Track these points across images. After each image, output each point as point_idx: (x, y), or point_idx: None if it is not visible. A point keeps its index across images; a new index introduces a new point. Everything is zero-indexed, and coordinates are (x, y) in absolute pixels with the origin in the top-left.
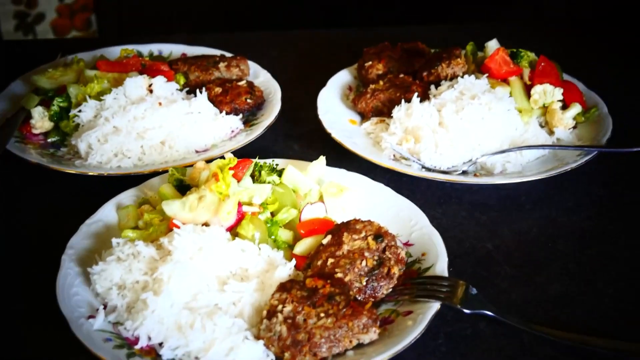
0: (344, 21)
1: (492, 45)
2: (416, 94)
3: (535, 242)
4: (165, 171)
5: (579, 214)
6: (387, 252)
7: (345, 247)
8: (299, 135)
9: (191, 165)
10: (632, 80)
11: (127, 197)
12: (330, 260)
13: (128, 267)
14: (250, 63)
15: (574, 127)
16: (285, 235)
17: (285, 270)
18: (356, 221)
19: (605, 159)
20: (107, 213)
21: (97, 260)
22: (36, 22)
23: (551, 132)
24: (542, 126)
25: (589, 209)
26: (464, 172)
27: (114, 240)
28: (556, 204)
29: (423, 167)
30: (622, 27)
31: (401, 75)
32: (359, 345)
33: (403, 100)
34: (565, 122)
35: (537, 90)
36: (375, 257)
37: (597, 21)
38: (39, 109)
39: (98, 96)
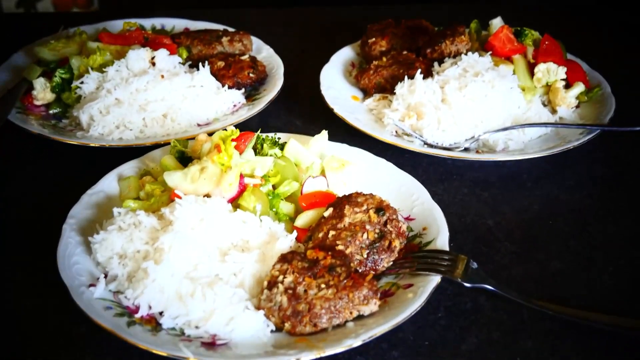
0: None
1: (496, 23)
2: (419, 70)
3: (536, 220)
4: (167, 143)
5: (580, 192)
6: (388, 226)
7: (347, 220)
8: (301, 111)
9: (193, 138)
10: (635, 61)
11: (128, 168)
12: (332, 233)
13: (129, 236)
14: (253, 38)
15: (577, 107)
16: (286, 207)
17: (287, 242)
18: (358, 194)
19: (607, 138)
20: (109, 184)
21: (98, 230)
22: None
23: (554, 111)
24: (544, 105)
25: (590, 187)
26: (466, 149)
27: (115, 210)
28: (557, 182)
29: (425, 143)
30: (625, 9)
31: (404, 52)
32: (359, 317)
33: (406, 77)
34: (568, 101)
35: (541, 68)
36: (377, 230)
37: (601, 3)
38: (41, 80)
39: (100, 68)
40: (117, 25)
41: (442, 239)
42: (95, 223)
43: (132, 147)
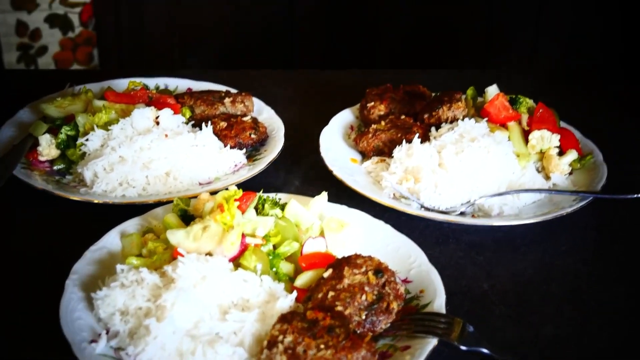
0: (347, 64)
1: (492, 90)
2: (417, 134)
3: (530, 284)
4: (169, 202)
5: (573, 258)
6: (386, 288)
7: (346, 281)
8: (301, 172)
9: (195, 197)
10: (626, 130)
11: (131, 225)
12: (331, 293)
13: (131, 293)
14: (255, 99)
15: (570, 173)
16: (286, 267)
17: (287, 301)
18: (357, 256)
19: (600, 205)
20: (111, 240)
21: (100, 286)
22: (39, 54)
23: (547, 177)
24: (538, 171)
25: (584, 253)
26: (462, 213)
27: (119, 267)
28: (551, 247)
29: (422, 206)
30: (615, 76)
31: (402, 117)
32: None
33: (404, 141)
34: (561, 167)
35: (535, 135)
36: (375, 292)
37: (591, 70)
38: (47, 136)
39: (105, 126)
40: (121, 83)
41: (439, 302)
42: (97, 279)
43: (134, 205)
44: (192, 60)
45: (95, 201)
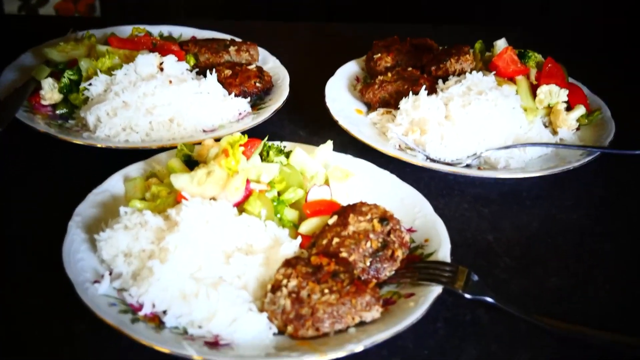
0: (354, 16)
1: (501, 44)
2: (424, 86)
3: (535, 237)
4: (172, 147)
5: (578, 212)
6: (391, 235)
7: (351, 228)
8: (305, 122)
9: (199, 143)
10: (634, 87)
11: (134, 169)
12: (336, 240)
13: (135, 235)
14: (260, 49)
15: (577, 129)
16: (290, 214)
17: (291, 247)
18: (362, 204)
19: (606, 160)
20: (115, 184)
21: (103, 228)
22: (39, 5)
23: (555, 132)
24: (546, 126)
25: (589, 207)
26: (468, 166)
27: (122, 209)
28: (557, 201)
29: (428, 158)
30: (625, 34)
31: (409, 69)
32: (361, 323)
33: (411, 93)
34: (569, 123)
35: (543, 90)
36: (380, 240)
37: (602, 28)
38: (49, 80)
39: (109, 71)
40: (125, 30)
41: (443, 251)
42: (100, 221)
43: (138, 150)
44: (193, 13)
45: (99, 145)
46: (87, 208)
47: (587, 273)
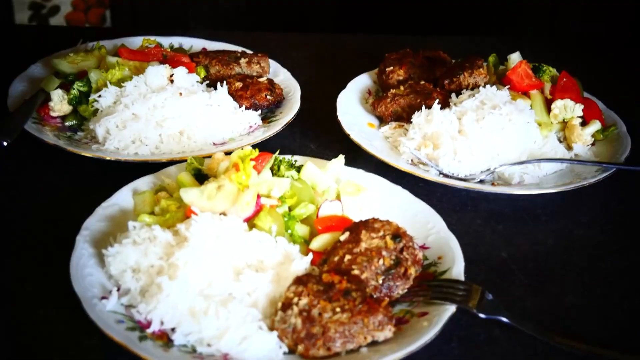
0: (365, 28)
1: (515, 57)
2: (437, 100)
3: (551, 253)
4: (182, 160)
5: (594, 229)
6: (404, 253)
7: (363, 245)
8: (316, 135)
9: (209, 156)
10: None
11: (143, 183)
12: (348, 257)
13: (144, 250)
14: (271, 61)
15: (592, 144)
16: (301, 230)
17: (302, 263)
18: (375, 220)
19: (622, 176)
20: (123, 197)
21: (112, 243)
22: (51, 14)
23: (569, 148)
24: (560, 141)
25: (605, 224)
26: (482, 181)
27: (131, 224)
28: (572, 217)
29: (441, 173)
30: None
31: (422, 82)
32: (373, 343)
33: (423, 107)
34: (584, 138)
35: (558, 105)
36: (393, 257)
37: (613, 40)
38: (59, 91)
39: (119, 83)
40: (135, 41)
41: (457, 269)
42: (108, 236)
43: (147, 163)
44: (204, 24)
45: (107, 158)
46: (95, 222)
47: (603, 291)
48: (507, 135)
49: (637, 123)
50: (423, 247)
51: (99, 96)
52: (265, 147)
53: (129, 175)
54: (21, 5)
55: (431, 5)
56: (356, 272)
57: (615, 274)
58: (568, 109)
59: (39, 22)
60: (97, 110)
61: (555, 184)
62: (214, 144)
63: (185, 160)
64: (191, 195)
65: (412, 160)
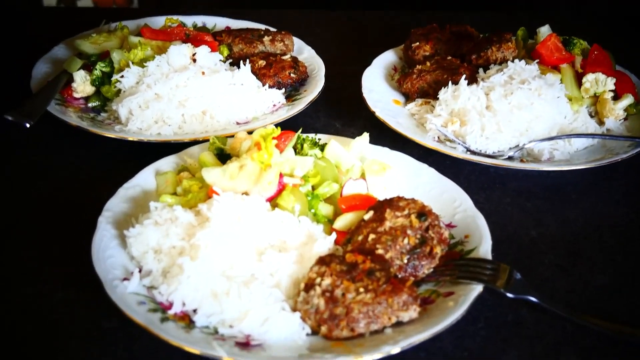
0: (391, 4)
1: (544, 31)
2: (464, 76)
3: (581, 232)
4: (205, 140)
5: (626, 206)
6: (430, 231)
7: (388, 224)
8: (341, 113)
9: (232, 136)
10: None
11: (166, 163)
12: (372, 236)
13: (165, 231)
14: (295, 39)
15: (625, 119)
16: (325, 209)
17: (325, 243)
18: (399, 198)
19: None
20: (146, 178)
21: (133, 224)
22: None
23: (601, 122)
24: (591, 116)
25: (637, 201)
26: (510, 158)
27: (152, 204)
28: (603, 195)
29: (468, 150)
30: None
31: (449, 58)
32: (398, 323)
33: (450, 82)
34: (616, 112)
35: (589, 78)
36: (418, 236)
37: None
38: (81, 72)
39: (141, 63)
40: (158, 21)
41: (484, 248)
42: (130, 217)
43: (169, 143)
44: (230, 2)
45: (130, 139)
46: (117, 203)
47: (635, 270)
48: (536, 111)
49: None
50: (449, 226)
51: (122, 76)
52: (289, 125)
53: (152, 156)
54: None
55: None
56: (380, 251)
57: None
58: (599, 82)
59: (67, 5)
60: (119, 90)
61: (587, 159)
62: (237, 123)
63: (208, 140)
64: (213, 175)
65: (438, 138)
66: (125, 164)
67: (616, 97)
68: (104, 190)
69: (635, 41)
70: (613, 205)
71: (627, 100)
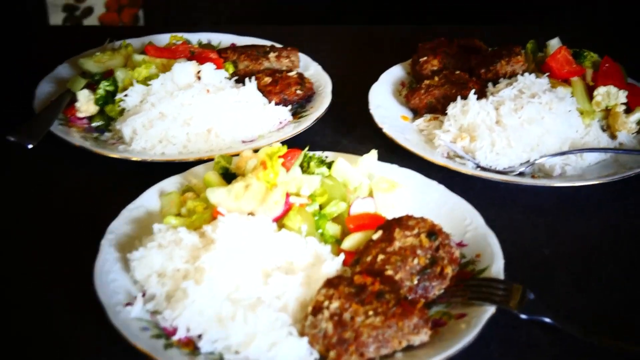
0: (398, 19)
1: (554, 43)
2: (473, 90)
3: (596, 249)
4: (210, 160)
5: None
6: (440, 251)
7: (397, 244)
8: (348, 130)
9: (237, 154)
10: None
11: (170, 183)
12: (381, 257)
13: (169, 254)
14: (301, 55)
15: (638, 132)
16: (333, 229)
17: (333, 265)
18: (409, 217)
19: None
20: (150, 199)
21: (137, 246)
22: (84, 16)
23: (613, 136)
24: (603, 130)
25: None
26: (521, 174)
27: (156, 226)
28: (618, 210)
29: (478, 166)
30: None
31: (457, 72)
32: (409, 347)
33: (459, 97)
34: (629, 126)
35: (601, 91)
36: (428, 256)
37: None
38: (85, 92)
39: (145, 81)
40: (163, 39)
41: (496, 267)
42: (134, 239)
43: (174, 163)
44: (235, 19)
45: (134, 159)
46: (120, 225)
47: None
48: (547, 125)
49: None
50: (460, 245)
51: (126, 95)
52: (296, 143)
53: (156, 175)
54: (55, 7)
55: None
56: (390, 272)
57: None
58: (611, 95)
59: (73, 24)
60: (123, 109)
61: (599, 175)
62: (243, 141)
63: (213, 159)
64: (218, 195)
65: (447, 154)
66: (129, 184)
67: (628, 110)
68: (108, 212)
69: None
70: (627, 221)
71: None
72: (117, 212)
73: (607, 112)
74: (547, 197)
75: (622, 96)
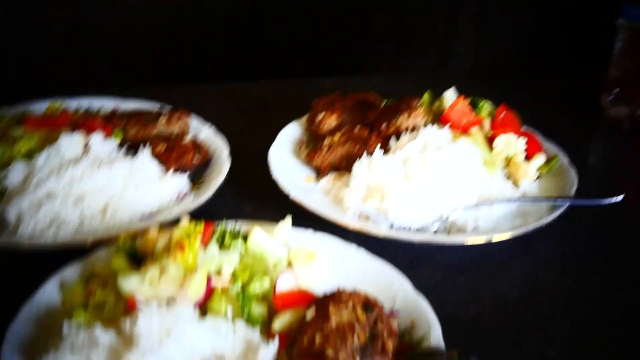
0: (281, 73)
1: (450, 94)
2: (378, 146)
3: (520, 302)
4: (111, 240)
5: (557, 270)
6: (378, 324)
7: (334, 321)
8: (251, 195)
9: (141, 233)
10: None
11: (70, 271)
12: (318, 337)
13: (85, 357)
14: (192, 117)
15: (538, 178)
16: (258, 309)
17: (269, 352)
18: (340, 292)
19: (572, 211)
20: (51, 292)
21: (47, 350)
22: None
23: (516, 185)
24: (507, 179)
25: (565, 264)
26: (436, 231)
27: (66, 325)
28: (531, 260)
29: (392, 226)
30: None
31: (357, 127)
32: None
33: (365, 154)
34: (530, 174)
35: (500, 141)
36: (367, 331)
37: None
38: None
39: (28, 156)
40: (39, 107)
41: (435, 335)
42: (40, 340)
43: (70, 247)
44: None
45: (24, 247)
46: (22, 327)
47: (581, 340)
48: (454, 178)
49: (576, 151)
50: (392, 314)
51: (5, 174)
52: (196, 215)
53: (53, 262)
54: None
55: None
56: (330, 352)
57: (593, 317)
58: (511, 144)
59: None
60: (5, 190)
61: (512, 225)
62: (142, 217)
63: (114, 239)
64: (131, 283)
65: (359, 214)
66: (22, 277)
67: (527, 158)
68: (3, 311)
69: (517, 97)
70: (544, 270)
71: (539, 160)
72: (12, 311)
73: (507, 161)
74: (461, 253)
75: (521, 144)
